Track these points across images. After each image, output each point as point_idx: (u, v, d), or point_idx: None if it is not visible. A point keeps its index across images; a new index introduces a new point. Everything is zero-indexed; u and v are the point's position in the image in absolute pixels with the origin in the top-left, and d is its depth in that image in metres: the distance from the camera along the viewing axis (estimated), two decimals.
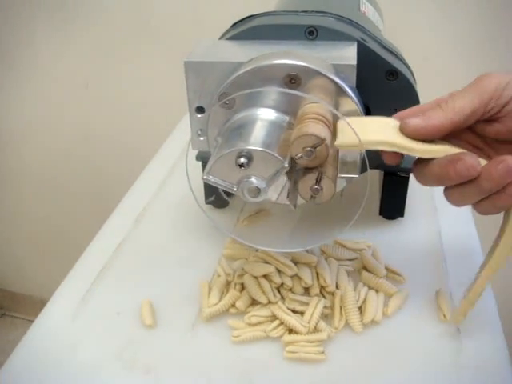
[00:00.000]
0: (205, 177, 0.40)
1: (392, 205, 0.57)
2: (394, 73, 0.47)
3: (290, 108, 0.42)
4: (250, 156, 0.38)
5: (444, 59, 0.90)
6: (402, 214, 0.58)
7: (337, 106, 0.43)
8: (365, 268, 0.50)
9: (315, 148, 0.38)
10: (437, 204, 0.61)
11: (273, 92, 0.42)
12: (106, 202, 0.66)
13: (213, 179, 0.40)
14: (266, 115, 0.42)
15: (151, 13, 1.01)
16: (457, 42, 0.88)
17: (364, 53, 0.46)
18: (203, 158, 0.56)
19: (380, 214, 0.59)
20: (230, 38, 0.49)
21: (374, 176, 0.61)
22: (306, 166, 0.39)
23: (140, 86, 1.10)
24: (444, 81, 0.89)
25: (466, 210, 0.59)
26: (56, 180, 1.30)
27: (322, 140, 0.37)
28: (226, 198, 0.47)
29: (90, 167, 1.25)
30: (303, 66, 0.42)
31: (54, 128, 1.21)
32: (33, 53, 1.11)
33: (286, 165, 0.39)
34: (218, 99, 0.44)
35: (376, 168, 0.54)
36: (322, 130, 0.38)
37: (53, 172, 1.29)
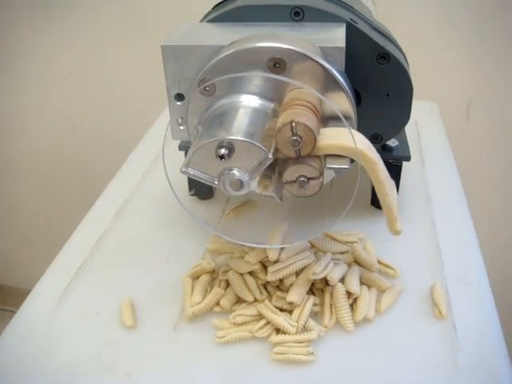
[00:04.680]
0: (183, 169, 0.37)
1: None
2: (385, 56, 0.45)
3: (275, 94, 0.40)
4: (231, 147, 0.36)
5: (437, 43, 0.88)
6: None
7: (325, 91, 0.40)
8: (356, 262, 0.48)
9: (302, 137, 0.35)
10: (431, 193, 0.58)
11: (256, 77, 0.40)
12: (94, 192, 0.63)
13: (192, 172, 0.37)
14: (249, 102, 0.40)
15: None
16: (450, 25, 0.86)
17: (353, 35, 0.44)
18: (186, 148, 0.53)
19: (372, 203, 0.56)
20: (210, 21, 0.46)
21: None
22: (292, 156, 0.37)
23: (125, 73, 1.07)
24: (437, 65, 0.87)
25: (462, 200, 0.57)
26: (43, 171, 1.27)
27: (310, 128, 0.35)
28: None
29: (76, 156, 1.22)
30: (288, 49, 0.39)
31: (39, 116, 1.18)
32: (15, 39, 1.08)
33: (271, 156, 0.36)
34: (198, 85, 0.41)
35: None
36: (309, 118, 0.36)
37: (38, 162, 1.26)
